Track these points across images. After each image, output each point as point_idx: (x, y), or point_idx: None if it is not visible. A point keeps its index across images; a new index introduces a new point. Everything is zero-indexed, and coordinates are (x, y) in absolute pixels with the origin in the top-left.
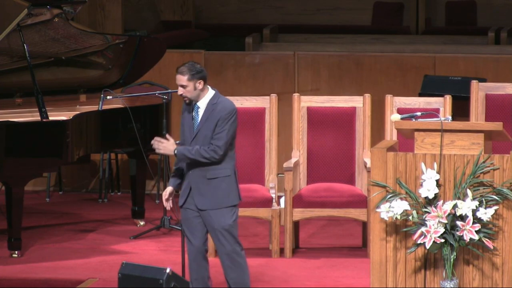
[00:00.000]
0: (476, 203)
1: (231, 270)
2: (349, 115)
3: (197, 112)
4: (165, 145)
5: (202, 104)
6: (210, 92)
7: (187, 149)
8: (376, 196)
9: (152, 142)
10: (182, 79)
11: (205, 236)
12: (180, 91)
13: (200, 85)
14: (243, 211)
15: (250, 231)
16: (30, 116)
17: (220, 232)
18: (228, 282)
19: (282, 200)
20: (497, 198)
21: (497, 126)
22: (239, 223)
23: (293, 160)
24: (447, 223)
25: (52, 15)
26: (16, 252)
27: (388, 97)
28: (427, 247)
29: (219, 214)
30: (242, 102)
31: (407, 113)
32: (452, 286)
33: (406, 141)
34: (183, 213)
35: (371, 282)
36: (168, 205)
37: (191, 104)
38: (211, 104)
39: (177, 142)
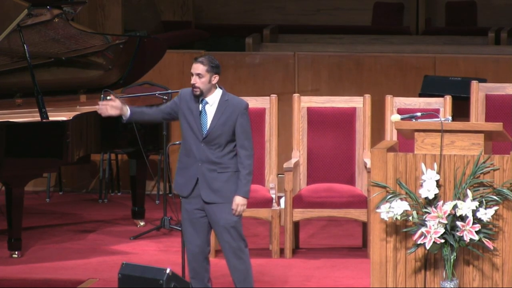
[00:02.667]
0: (476, 203)
1: (235, 268)
2: (349, 115)
3: (205, 108)
4: (111, 105)
5: (212, 100)
6: (219, 90)
7: (244, 186)
8: (376, 197)
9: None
10: (201, 68)
11: (209, 236)
12: (195, 80)
13: (214, 79)
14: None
15: (250, 232)
16: (30, 116)
17: (225, 229)
18: (234, 279)
19: (282, 201)
20: (497, 198)
21: (497, 126)
22: None
23: (293, 160)
24: (447, 224)
25: (52, 16)
26: (16, 252)
27: (388, 98)
28: (427, 247)
29: (225, 210)
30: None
31: (407, 114)
32: (452, 286)
33: (406, 141)
34: (187, 214)
35: (371, 282)
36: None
37: (199, 98)
38: (223, 100)
39: (177, 142)
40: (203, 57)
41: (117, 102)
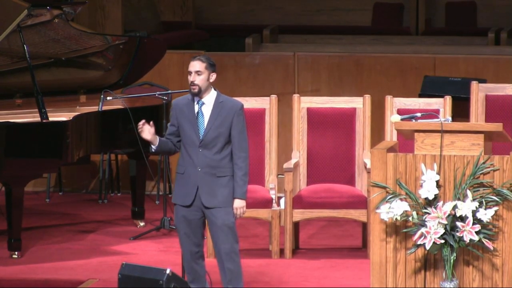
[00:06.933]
0: (476, 204)
1: (227, 269)
2: (349, 116)
3: (202, 109)
4: (149, 129)
5: (208, 100)
6: (213, 91)
7: (241, 187)
8: (376, 197)
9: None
10: (201, 65)
11: (203, 235)
12: (194, 77)
13: (212, 78)
14: None
15: (250, 232)
16: (30, 116)
17: (222, 230)
18: (222, 280)
19: (282, 201)
20: (497, 199)
21: (497, 127)
22: (239, 224)
23: (293, 161)
24: (447, 224)
25: (52, 16)
26: (16, 252)
27: (388, 98)
28: (427, 248)
29: (223, 212)
30: (242, 103)
31: (407, 114)
32: (452, 287)
33: (406, 142)
34: (183, 218)
35: (371, 282)
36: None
37: (197, 95)
38: (218, 101)
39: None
40: (200, 56)
41: (153, 129)
